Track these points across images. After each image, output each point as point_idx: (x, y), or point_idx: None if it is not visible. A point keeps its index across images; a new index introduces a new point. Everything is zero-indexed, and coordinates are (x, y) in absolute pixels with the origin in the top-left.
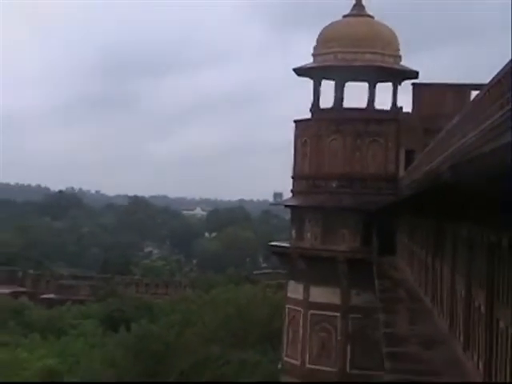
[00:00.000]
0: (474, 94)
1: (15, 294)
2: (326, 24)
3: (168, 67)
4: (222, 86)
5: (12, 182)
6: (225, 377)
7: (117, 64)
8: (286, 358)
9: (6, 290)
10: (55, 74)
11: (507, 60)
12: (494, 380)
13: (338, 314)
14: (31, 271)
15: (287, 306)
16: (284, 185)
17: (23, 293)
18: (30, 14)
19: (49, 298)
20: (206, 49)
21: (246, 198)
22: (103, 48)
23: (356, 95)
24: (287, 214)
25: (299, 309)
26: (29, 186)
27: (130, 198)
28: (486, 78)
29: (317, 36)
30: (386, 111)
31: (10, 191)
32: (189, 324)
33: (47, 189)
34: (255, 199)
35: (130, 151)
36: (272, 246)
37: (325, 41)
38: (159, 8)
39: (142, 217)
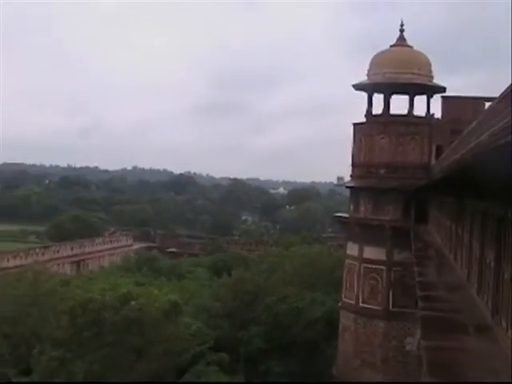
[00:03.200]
0: (488, 104)
1: (148, 248)
2: (377, 52)
3: (268, 80)
4: (304, 95)
5: (147, 166)
6: (299, 309)
7: (229, 77)
8: (344, 299)
9: (142, 245)
10: (186, 84)
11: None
12: (498, 313)
13: (383, 267)
14: (160, 231)
15: (346, 260)
16: (345, 171)
17: (154, 247)
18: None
19: (172, 251)
20: (298, 66)
21: (317, 180)
22: (221, 63)
23: (399, 105)
24: (347, 193)
25: (355, 263)
26: (158, 170)
27: (231, 179)
28: (496, 93)
29: (370, 60)
30: (422, 117)
31: (146, 173)
32: (273, 271)
33: (171, 172)
34: (323, 181)
35: (233, 144)
36: (336, 216)
37: (376, 64)
38: (266, 26)
39: (240, 193)
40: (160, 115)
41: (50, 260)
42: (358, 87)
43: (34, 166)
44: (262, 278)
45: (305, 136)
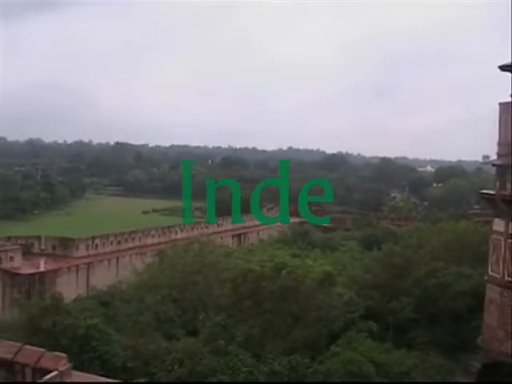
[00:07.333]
0: None
1: (301, 222)
2: None
3: (418, 62)
4: (451, 77)
5: (301, 147)
6: (446, 284)
7: (383, 60)
8: (490, 273)
9: (295, 220)
10: (339, 69)
11: None
12: None
13: None
14: (313, 207)
15: (492, 236)
16: (491, 149)
17: (306, 222)
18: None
19: (324, 226)
20: (446, 48)
21: (463, 158)
22: (375, 48)
23: None
24: (493, 171)
25: (501, 238)
26: (312, 150)
27: (380, 158)
28: None
29: None
30: None
31: (300, 153)
32: (421, 246)
33: (324, 152)
34: (469, 160)
35: (383, 125)
36: (482, 193)
37: None
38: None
39: (389, 172)
40: (313, 100)
41: (214, 233)
42: (504, 68)
43: (198, 147)
44: (411, 252)
45: (451, 116)
